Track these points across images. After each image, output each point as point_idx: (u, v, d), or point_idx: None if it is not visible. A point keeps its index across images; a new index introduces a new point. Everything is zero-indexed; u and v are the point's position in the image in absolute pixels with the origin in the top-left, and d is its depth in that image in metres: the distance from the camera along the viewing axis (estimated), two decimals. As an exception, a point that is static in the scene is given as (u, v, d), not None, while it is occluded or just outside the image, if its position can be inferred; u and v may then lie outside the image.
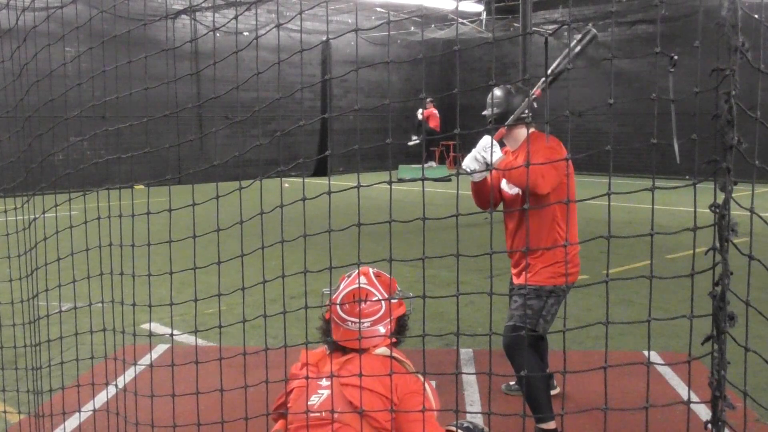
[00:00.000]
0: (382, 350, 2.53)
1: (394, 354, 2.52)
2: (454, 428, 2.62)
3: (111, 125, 2.82)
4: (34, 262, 3.29)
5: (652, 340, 4.95)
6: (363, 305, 2.56)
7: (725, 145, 1.65)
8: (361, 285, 2.60)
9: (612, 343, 5.10)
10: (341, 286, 2.65)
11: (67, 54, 12.83)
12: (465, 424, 2.66)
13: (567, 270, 3.48)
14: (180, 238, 2.53)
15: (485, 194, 3.56)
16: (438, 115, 19.24)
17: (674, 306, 6.06)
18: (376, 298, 2.58)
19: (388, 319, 2.59)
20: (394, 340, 2.62)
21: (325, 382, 2.47)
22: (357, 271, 2.63)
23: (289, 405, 2.54)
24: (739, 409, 1.86)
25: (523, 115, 3.51)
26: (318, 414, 2.41)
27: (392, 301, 2.59)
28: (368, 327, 2.56)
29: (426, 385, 2.47)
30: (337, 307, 2.60)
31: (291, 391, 2.56)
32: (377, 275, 2.66)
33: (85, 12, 13.80)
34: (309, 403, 2.46)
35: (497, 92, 3.68)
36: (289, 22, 4.06)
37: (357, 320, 2.55)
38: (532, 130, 3.62)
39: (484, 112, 3.62)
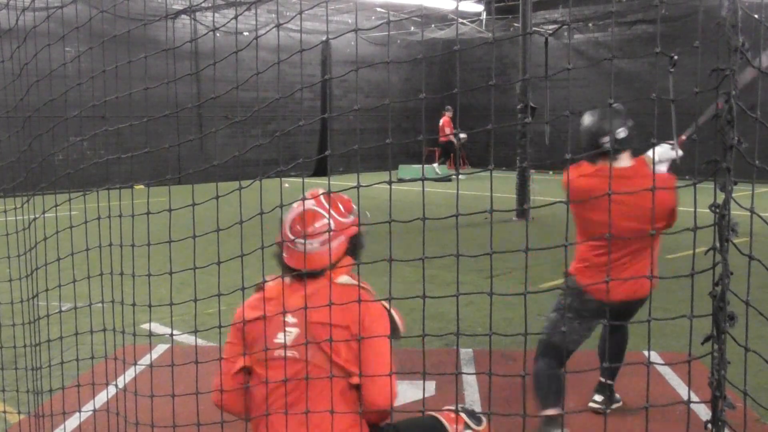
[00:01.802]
0: (345, 279, 2.48)
1: (355, 281, 2.47)
2: (453, 409, 2.60)
3: (111, 125, 2.82)
4: (34, 262, 3.29)
5: (652, 340, 4.94)
6: (310, 227, 2.50)
7: (725, 145, 1.65)
8: (309, 207, 2.54)
9: (612, 343, 5.09)
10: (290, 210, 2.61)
11: (67, 54, 12.83)
12: (464, 407, 2.65)
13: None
14: (180, 238, 2.53)
15: None
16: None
17: (674, 306, 6.05)
18: (323, 219, 2.50)
19: (338, 240, 2.51)
20: (350, 264, 2.55)
21: (291, 319, 2.45)
22: (305, 195, 2.57)
23: (247, 340, 2.53)
24: (739, 409, 1.86)
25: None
26: (291, 354, 2.42)
27: (344, 220, 2.54)
28: (317, 248, 2.49)
29: (393, 312, 2.46)
30: (287, 230, 2.54)
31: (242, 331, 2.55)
32: (327, 197, 2.57)
33: (85, 12, 13.80)
34: (276, 340, 2.45)
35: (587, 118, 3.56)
36: (289, 22, 4.05)
37: (305, 241, 2.49)
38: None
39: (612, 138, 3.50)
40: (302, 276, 2.49)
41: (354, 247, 2.59)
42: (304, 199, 2.55)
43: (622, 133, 3.48)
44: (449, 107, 18.88)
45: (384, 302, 2.44)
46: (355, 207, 2.61)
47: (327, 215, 2.50)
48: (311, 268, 2.46)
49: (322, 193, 2.56)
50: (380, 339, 2.38)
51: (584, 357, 4.77)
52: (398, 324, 2.52)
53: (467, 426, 2.54)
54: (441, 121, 18.74)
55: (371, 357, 2.39)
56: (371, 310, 2.41)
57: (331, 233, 2.46)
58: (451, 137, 18.37)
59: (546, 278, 7.33)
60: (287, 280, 2.53)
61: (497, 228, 2.92)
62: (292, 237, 2.52)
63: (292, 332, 2.45)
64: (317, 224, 2.51)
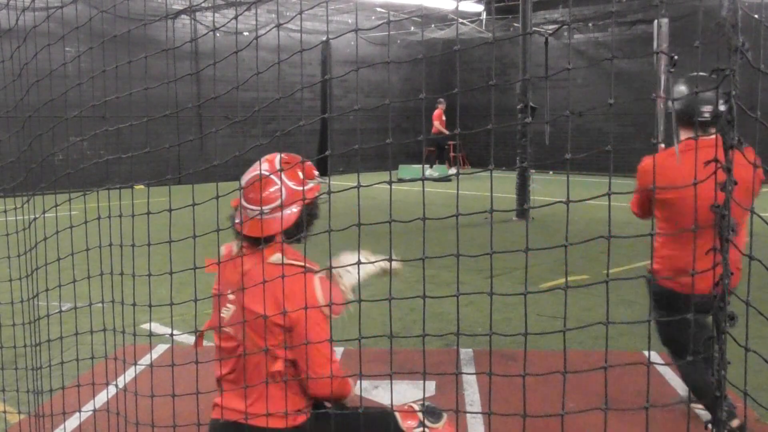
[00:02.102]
0: (276, 258, 2.39)
1: (290, 260, 2.39)
2: (414, 407, 2.56)
3: (111, 125, 2.82)
4: (34, 262, 3.29)
5: (652, 340, 4.94)
6: (260, 194, 2.44)
7: (725, 145, 1.65)
8: (262, 173, 2.47)
9: (612, 343, 5.10)
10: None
11: (67, 54, 12.83)
12: (424, 405, 2.59)
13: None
14: (180, 238, 2.53)
15: None
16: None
17: (674, 306, 6.04)
18: (275, 186, 2.44)
19: (289, 209, 2.44)
20: (284, 243, 2.46)
21: (231, 296, 2.49)
22: (261, 159, 2.50)
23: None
24: (740, 409, 1.85)
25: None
26: (228, 330, 2.49)
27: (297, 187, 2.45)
28: (267, 215, 2.43)
29: (317, 281, 2.37)
30: (241, 195, 2.51)
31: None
32: (285, 162, 2.49)
33: (85, 12, 13.80)
34: (222, 314, 2.51)
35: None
36: (289, 22, 4.06)
37: (255, 208, 2.44)
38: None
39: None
40: (250, 245, 2.45)
41: (308, 217, 2.51)
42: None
43: (723, 104, 3.32)
44: (441, 100, 18.84)
45: (319, 277, 2.38)
46: (317, 174, 2.53)
47: (279, 182, 2.44)
48: (257, 234, 2.40)
49: (279, 158, 2.49)
50: (312, 329, 2.31)
51: (584, 357, 4.77)
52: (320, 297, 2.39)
53: (421, 423, 2.50)
54: (433, 114, 18.80)
55: (304, 348, 2.33)
56: (299, 300, 2.29)
57: (282, 201, 2.41)
58: (443, 130, 18.41)
59: (546, 278, 7.33)
60: (235, 250, 2.53)
61: (497, 228, 2.91)
62: (245, 203, 2.48)
63: (230, 309, 2.48)
64: (269, 191, 2.44)
